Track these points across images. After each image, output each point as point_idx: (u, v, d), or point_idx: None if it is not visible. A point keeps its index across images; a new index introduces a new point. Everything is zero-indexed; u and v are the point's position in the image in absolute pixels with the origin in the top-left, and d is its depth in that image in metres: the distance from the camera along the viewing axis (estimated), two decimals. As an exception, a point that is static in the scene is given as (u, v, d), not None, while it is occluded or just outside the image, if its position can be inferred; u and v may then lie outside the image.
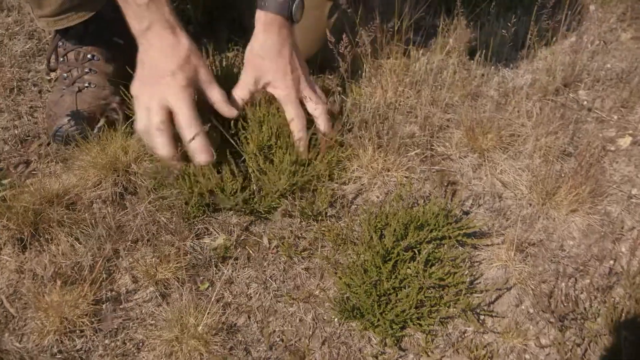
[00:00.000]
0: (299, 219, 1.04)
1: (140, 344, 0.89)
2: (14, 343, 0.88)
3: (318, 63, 1.27)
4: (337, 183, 1.10)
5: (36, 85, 1.37)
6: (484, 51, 1.25)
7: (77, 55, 1.20)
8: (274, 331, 0.91)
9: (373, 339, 0.89)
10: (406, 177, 1.10)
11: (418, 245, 0.95)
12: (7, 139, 1.22)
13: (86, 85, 1.17)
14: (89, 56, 1.20)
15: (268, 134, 1.07)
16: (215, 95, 1.02)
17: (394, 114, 1.19)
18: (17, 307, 0.92)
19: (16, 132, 1.24)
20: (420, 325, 0.88)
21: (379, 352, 0.87)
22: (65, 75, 1.19)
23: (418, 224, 0.96)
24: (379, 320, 0.87)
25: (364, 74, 1.26)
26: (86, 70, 1.18)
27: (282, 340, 0.89)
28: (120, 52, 1.22)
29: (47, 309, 0.89)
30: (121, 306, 0.93)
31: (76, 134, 1.12)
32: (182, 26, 0.99)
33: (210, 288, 0.96)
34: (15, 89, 1.35)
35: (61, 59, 1.23)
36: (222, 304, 0.93)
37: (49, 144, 1.20)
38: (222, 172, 1.04)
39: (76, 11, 1.15)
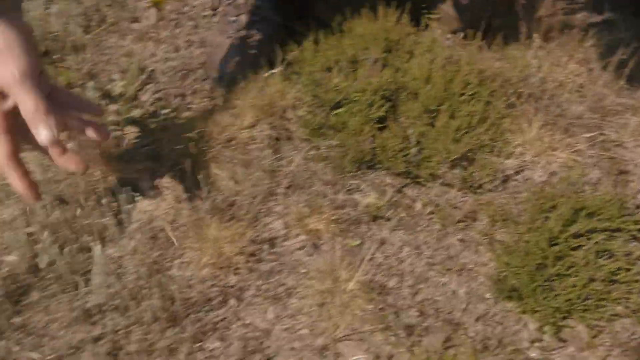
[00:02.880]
0: (455, 188, 1.01)
1: (291, 290, 0.89)
2: (172, 270, 0.90)
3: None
4: (497, 156, 1.05)
5: (192, 20, 1.38)
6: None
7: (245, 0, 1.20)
8: (426, 299, 0.88)
9: (530, 324, 0.85)
10: (574, 160, 1.04)
11: (588, 234, 0.89)
12: (164, 70, 1.24)
13: (254, 35, 1.17)
14: (258, 3, 1.19)
15: (434, 96, 1.03)
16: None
17: (563, 92, 1.12)
18: (176, 235, 0.94)
19: (173, 64, 1.25)
20: (585, 318, 0.83)
21: (537, 339, 0.83)
22: (232, 19, 1.19)
23: (589, 211, 0.90)
24: (540, 305, 0.83)
25: (533, 44, 1.19)
26: (256, 18, 1.17)
27: (435, 310, 0.87)
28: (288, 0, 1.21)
29: (206, 242, 0.91)
30: (273, 250, 0.94)
31: (239, 77, 1.12)
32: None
33: (360, 245, 0.94)
34: (174, 22, 1.36)
35: (228, 1, 1.22)
36: (373, 263, 0.92)
37: (204, 79, 1.21)
38: (385, 130, 1.01)
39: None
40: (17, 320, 0.85)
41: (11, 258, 0.89)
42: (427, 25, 1.24)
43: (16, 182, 0.71)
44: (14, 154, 0.70)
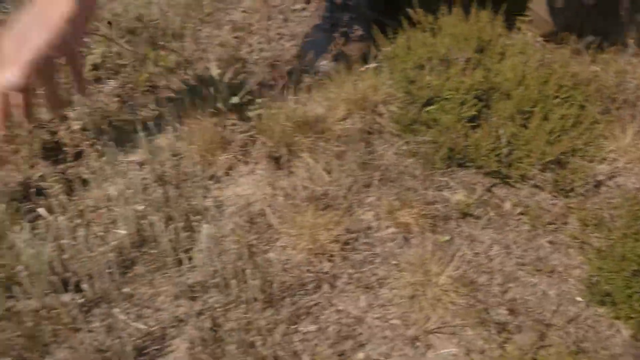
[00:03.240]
0: (546, 191, 1.01)
1: (383, 280, 0.92)
2: (268, 253, 0.94)
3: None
4: (589, 161, 1.05)
5: (282, 13, 1.42)
6: None
7: None
8: (516, 298, 0.90)
9: (623, 330, 0.86)
10: (670, 168, 1.03)
11: (685, 244, 0.89)
12: (257, 60, 1.29)
13: (350, 32, 1.20)
14: (352, 2, 1.22)
15: (527, 97, 1.04)
16: None
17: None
18: (274, 220, 0.98)
19: (266, 55, 1.30)
20: (680, 327, 0.83)
21: (631, 345, 0.84)
22: (327, 14, 1.22)
23: (687, 221, 0.90)
24: (635, 312, 0.84)
25: (627, 49, 1.18)
26: (351, 16, 1.20)
27: (525, 309, 0.88)
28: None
29: (302, 228, 0.94)
30: (366, 240, 0.96)
31: (333, 71, 1.15)
32: None
33: (449, 241, 0.96)
34: (264, 15, 1.41)
35: (322, -3, 1.26)
36: (463, 259, 0.94)
37: (299, 71, 1.25)
38: (476, 129, 1.02)
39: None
40: (125, 290, 0.90)
41: (121, 232, 0.95)
42: (519, 28, 1.24)
43: None
44: None
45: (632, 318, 0.84)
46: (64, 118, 1.12)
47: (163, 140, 1.09)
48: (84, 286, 0.87)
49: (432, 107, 1.09)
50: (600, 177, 1.04)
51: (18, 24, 0.91)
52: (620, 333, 0.86)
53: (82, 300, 0.88)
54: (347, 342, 0.85)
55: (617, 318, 0.86)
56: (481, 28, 1.20)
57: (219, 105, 1.12)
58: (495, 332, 0.85)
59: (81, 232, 0.92)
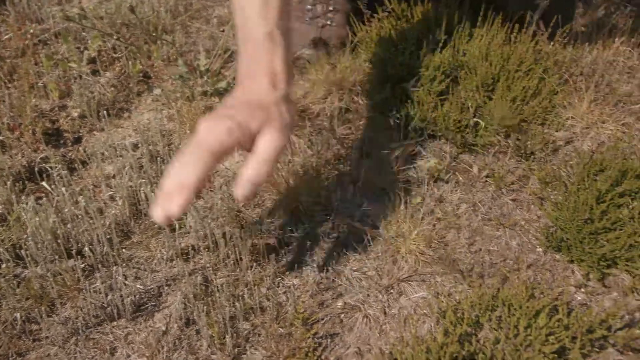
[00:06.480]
0: (508, 156, 1.10)
1: (360, 238, 1.00)
2: (254, 217, 1.02)
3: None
4: (548, 128, 1.14)
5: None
6: None
7: None
8: (480, 249, 0.98)
9: (577, 272, 0.94)
10: (622, 132, 1.12)
11: (633, 194, 0.97)
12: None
13: (328, 22, 1.29)
14: None
15: (491, 72, 1.13)
16: None
17: (613, 72, 1.20)
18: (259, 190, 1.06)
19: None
20: (628, 266, 0.91)
21: (583, 284, 0.92)
22: (309, 7, 1.31)
23: (635, 173, 0.98)
24: (586, 255, 0.92)
25: (585, 28, 1.27)
26: (330, 8, 1.29)
27: (490, 259, 0.96)
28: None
29: (284, 196, 1.03)
30: (344, 204, 1.05)
31: (313, 57, 1.24)
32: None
33: (421, 202, 1.05)
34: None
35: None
36: (433, 217, 1.02)
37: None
38: (446, 104, 1.11)
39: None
40: (124, 253, 0.98)
41: (118, 203, 1.03)
42: (485, 11, 1.33)
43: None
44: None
45: (584, 260, 0.92)
46: (64, 107, 1.22)
47: (155, 122, 1.18)
48: (86, 251, 0.95)
49: (404, 84, 1.18)
50: (559, 143, 1.12)
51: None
52: (574, 274, 0.94)
53: (84, 265, 0.96)
54: (327, 292, 0.93)
55: (572, 261, 0.94)
56: (451, 13, 1.29)
57: (208, 89, 1.21)
58: (461, 278, 0.93)
59: (82, 205, 1.00)
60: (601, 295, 0.91)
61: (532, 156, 1.09)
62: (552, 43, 1.23)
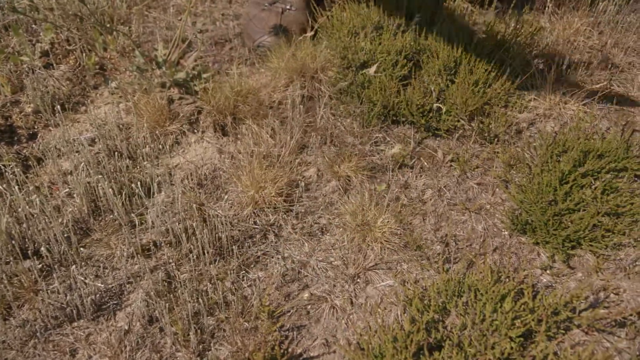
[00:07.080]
0: (472, 140, 1.09)
1: (324, 228, 0.99)
2: (217, 210, 1.00)
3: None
4: (511, 110, 1.13)
5: (226, -4, 1.48)
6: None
7: None
8: (446, 234, 0.97)
9: (542, 254, 0.94)
10: (584, 112, 1.12)
11: (596, 174, 0.97)
12: (203, 40, 1.35)
13: (287, 7, 1.26)
14: None
15: (453, 55, 1.11)
16: None
17: (574, 52, 1.20)
18: (218, 182, 1.04)
19: (211, 34, 1.36)
20: (592, 247, 0.91)
21: (548, 266, 0.92)
22: None
23: (597, 153, 0.98)
24: (551, 237, 0.92)
25: (546, 10, 1.27)
26: None
27: (456, 243, 0.96)
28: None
29: (247, 186, 1.01)
30: (308, 194, 1.03)
31: (274, 45, 1.22)
32: None
33: (386, 189, 1.04)
34: (209, -3, 1.46)
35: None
36: (398, 204, 1.01)
37: (241, 47, 1.31)
38: (409, 89, 1.10)
39: None
40: (83, 252, 0.95)
41: (76, 201, 1.00)
42: (446, -6, 1.32)
43: None
44: None
45: (548, 242, 0.92)
46: (16, 102, 1.17)
47: (112, 116, 1.14)
48: (43, 251, 0.92)
49: (366, 69, 1.16)
50: (523, 124, 1.12)
51: None
52: (540, 256, 0.94)
53: (41, 265, 0.93)
54: (293, 284, 0.92)
55: (537, 243, 0.94)
56: (411, -3, 1.28)
57: (166, 81, 1.18)
58: (428, 264, 0.92)
59: (37, 203, 0.97)
60: (566, 276, 0.91)
61: (496, 139, 1.08)
62: (514, 25, 1.22)
